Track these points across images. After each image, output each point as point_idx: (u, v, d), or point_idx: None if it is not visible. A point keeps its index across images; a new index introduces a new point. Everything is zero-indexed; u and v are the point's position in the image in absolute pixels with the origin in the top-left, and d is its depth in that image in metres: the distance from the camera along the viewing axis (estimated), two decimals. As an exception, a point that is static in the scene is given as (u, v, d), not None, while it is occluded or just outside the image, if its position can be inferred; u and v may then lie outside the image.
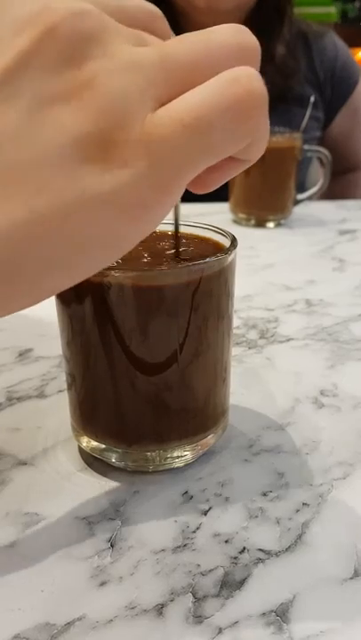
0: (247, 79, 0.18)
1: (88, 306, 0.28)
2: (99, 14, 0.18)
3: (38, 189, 0.17)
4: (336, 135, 1.08)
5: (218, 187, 0.22)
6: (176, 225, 0.30)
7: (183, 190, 0.19)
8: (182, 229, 0.33)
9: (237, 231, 0.32)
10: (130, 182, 0.18)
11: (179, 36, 0.19)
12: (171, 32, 0.22)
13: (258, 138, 0.20)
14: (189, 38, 0.19)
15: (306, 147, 0.79)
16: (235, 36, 0.19)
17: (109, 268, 0.27)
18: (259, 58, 0.19)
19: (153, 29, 0.21)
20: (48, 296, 0.20)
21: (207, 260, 0.28)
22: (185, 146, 0.18)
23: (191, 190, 0.22)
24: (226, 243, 0.31)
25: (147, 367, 0.29)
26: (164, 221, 0.33)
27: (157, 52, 0.19)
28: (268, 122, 0.20)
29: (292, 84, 0.94)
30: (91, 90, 0.17)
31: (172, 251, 0.30)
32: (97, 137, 0.17)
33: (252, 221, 0.79)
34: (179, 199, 0.29)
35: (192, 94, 0.18)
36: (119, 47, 0.18)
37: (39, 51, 0.18)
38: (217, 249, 0.31)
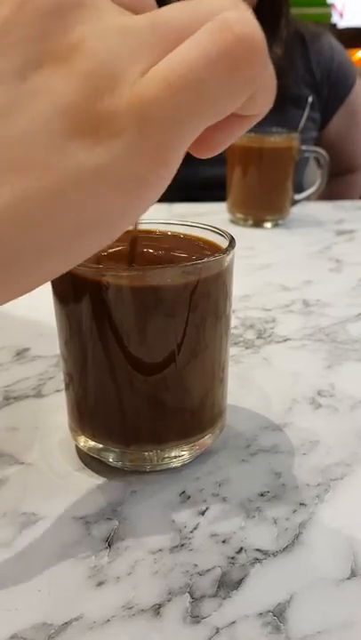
0: (239, 23, 0.16)
1: (86, 305, 0.28)
2: None
3: (27, 169, 0.16)
4: (333, 136, 1.08)
5: (224, 148, 0.21)
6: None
7: (180, 159, 0.18)
8: (181, 229, 0.33)
9: (235, 231, 0.32)
10: (122, 154, 0.16)
11: (168, 5, 0.18)
12: None
13: (261, 88, 0.18)
14: (179, 4, 0.18)
15: (304, 147, 0.79)
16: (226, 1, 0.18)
17: (108, 268, 0.27)
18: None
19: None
20: (48, 280, 0.19)
21: (205, 260, 0.28)
22: (174, 107, 0.16)
23: (196, 155, 0.20)
24: (224, 243, 0.31)
25: (145, 367, 0.29)
26: (167, 221, 0.33)
27: (148, 17, 0.17)
28: (272, 69, 0.18)
29: (287, 83, 0.95)
30: (78, 53, 0.16)
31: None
32: (86, 105, 0.16)
33: (250, 221, 0.79)
34: None
35: (179, 49, 0.16)
36: (108, 12, 0.17)
37: (21, 18, 0.17)
38: (215, 249, 0.31)
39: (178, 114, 0.16)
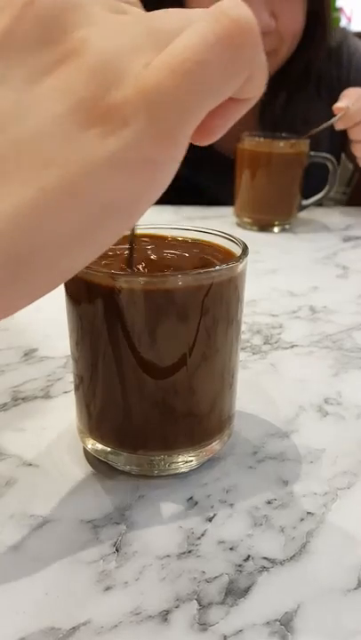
0: (234, 9, 0.17)
1: (99, 308, 0.28)
2: None
3: (43, 164, 0.17)
4: None
5: (223, 133, 0.21)
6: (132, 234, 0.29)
7: (188, 139, 0.19)
8: (194, 235, 0.33)
9: (242, 235, 0.32)
10: (133, 140, 0.17)
11: (160, 10, 0.19)
12: None
13: (255, 71, 0.19)
14: (171, 11, 0.19)
15: (312, 153, 0.79)
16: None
17: (121, 273, 0.27)
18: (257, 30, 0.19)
19: None
20: (70, 276, 0.19)
21: (217, 268, 0.28)
22: (180, 91, 0.17)
23: (198, 143, 0.21)
24: (236, 249, 0.31)
25: (155, 371, 0.29)
26: (180, 227, 0.33)
27: (142, 20, 0.19)
28: (264, 53, 0.19)
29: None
30: (81, 54, 0.17)
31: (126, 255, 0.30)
32: (93, 100, 0.17)
33: (257, 226, 0.79)
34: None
35: (179, 38, 0.17)
36: (101, 13, 0.18)
37: (21, 26, 0.18)
38: (228, 256, 0.31)
39: (183, 97, 0.17)
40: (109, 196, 0.18)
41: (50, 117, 0.17)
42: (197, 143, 0.21)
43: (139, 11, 0.20)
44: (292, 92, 0.89)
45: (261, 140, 0.76)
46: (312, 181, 0.81)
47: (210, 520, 0.28)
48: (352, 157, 1.03)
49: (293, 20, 0.81)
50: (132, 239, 0.29)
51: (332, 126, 0.79)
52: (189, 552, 0.27)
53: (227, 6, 0.18)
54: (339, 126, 0.76)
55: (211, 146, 0.22)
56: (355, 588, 0.25)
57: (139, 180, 0.18)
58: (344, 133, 0.93)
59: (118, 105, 0.17)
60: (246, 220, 0.80)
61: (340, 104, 0.74)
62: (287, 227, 0.80)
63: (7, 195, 0.17)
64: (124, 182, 0.18)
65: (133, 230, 0.29)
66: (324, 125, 0.77)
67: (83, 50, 0.17)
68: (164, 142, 0.18)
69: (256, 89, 0.20)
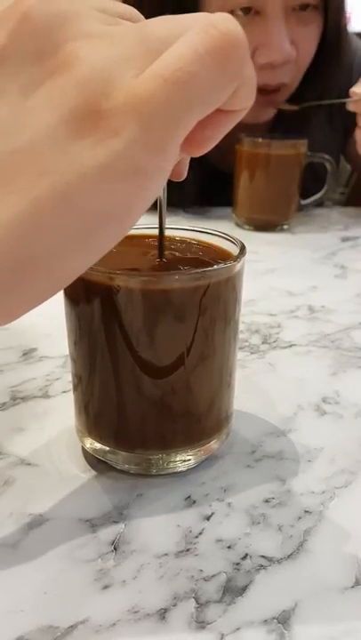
0: (223, 22, 0.18)
1: (97, 307, 0.28)
2: None
3: (38, 174, 0.17)
4: None
5: (213, 145, 0.22)
6: (161, 223, 0.30)
7: (177, 150, 0.19)
8: (191, 235, 0.33)
9: (240, 235, 0.32)
10: (124, 149, 0.17)
11: (153, 18, 0.19)
12: None
13: (244, 83, 0.19)
14: (163, 18, 0.19)
15: (309, 153, 0.79)
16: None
17: (118, 272, 0.27)
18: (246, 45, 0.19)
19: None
20: (67, 283, 0.19)
21: (215, 267, 0.28)
22: (171, 100, 0.17)
23: (189, 154, 0.21)
24: (234, 249, 0.31)
25: (153, 370, 0.29)
26: (178, 227, 0.33)
27: (134, 28, 0.19)
28: (252, 66, 0.20)
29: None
30: (72, 66, 0.18)
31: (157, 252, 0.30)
32: (84, 110, 0.17)
33: (256, 226, 0.79)
34: (164, 196, 0.29)
35: (170, 49, 0.18)
36: (94, 26, 0.19)
37: (16, 42, 0.18)
38: (225, 256, 0.31)
39: (174, 107, 0.18)
40: (102, 204, 0.18)
41: (42, 128, 0.17)
42: (189, 155, 0.21)
43: (130, 23, 0.20)
44: (304, 123, 0.87)
45: (260, 140, 0.77)
46: (312, 181, 0.81)
47: (208, 519, 0.29)
48: (350, 158, 1.03)
49: (310, 49, 0.79)
50: (162, 230, 0.29)
51: (331, 128, 0.80)
52: (187, 550, 0.27)
53: (217, 19, 0.18)
54: (350, 108, 0.75)
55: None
56: (352, 587, 0.25)
57: (129, 188, 0.18)
58: (343, 134, 0.93)
59: (109, 114, 0.17)
60: (245, 220, 0.80)
61: (357, 89, 0.74)
62: (286, 227, 0.80)
63: (4, 204, 0.17)
64: (115, 191, 0.18)
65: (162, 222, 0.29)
66: (334, 101, 0.78)
67: (74, 62, 0.18)
68: (155, 151, 0.18)
69: (244, 101, 0.20)
